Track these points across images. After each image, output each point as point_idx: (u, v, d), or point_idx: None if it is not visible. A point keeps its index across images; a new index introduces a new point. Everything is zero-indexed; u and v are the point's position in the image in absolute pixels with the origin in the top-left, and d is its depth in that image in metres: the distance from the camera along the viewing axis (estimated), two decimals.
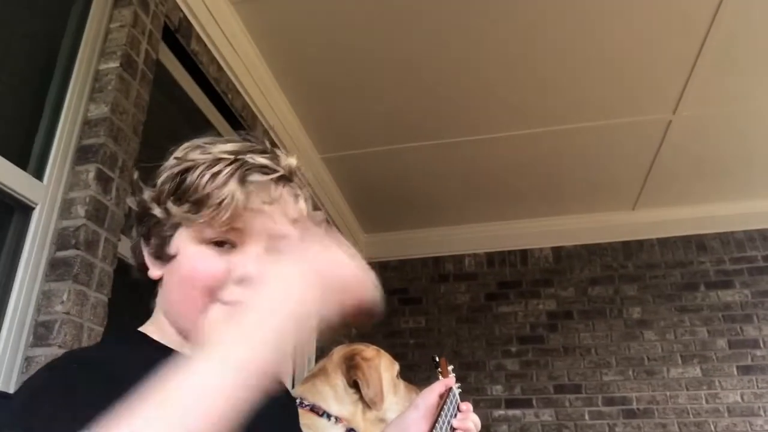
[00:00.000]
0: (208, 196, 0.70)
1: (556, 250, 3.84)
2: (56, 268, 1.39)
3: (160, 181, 0.74)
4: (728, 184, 3.42)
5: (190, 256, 0.72)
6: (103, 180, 1.50)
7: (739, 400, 3.29)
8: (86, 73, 1.61)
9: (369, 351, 1.31)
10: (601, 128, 2.90)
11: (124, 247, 1.58)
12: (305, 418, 1.18)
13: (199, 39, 2.10)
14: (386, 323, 3.90)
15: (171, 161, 0.75)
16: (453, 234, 3.95)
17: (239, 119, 2.39)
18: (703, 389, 3.35)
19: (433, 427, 1.01)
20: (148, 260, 0.76)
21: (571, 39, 2.36)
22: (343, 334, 3.61)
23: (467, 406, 1.13)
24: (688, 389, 3.36)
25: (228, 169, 0.71)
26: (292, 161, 0.78)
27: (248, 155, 0.73)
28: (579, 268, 3.77)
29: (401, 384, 1.36)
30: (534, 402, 3.52)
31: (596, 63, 2.49)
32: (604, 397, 3.44)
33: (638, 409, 3.38)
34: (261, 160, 0.74)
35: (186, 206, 0.71)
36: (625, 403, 3.41)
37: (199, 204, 0.70)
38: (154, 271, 0.75)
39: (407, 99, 2.70)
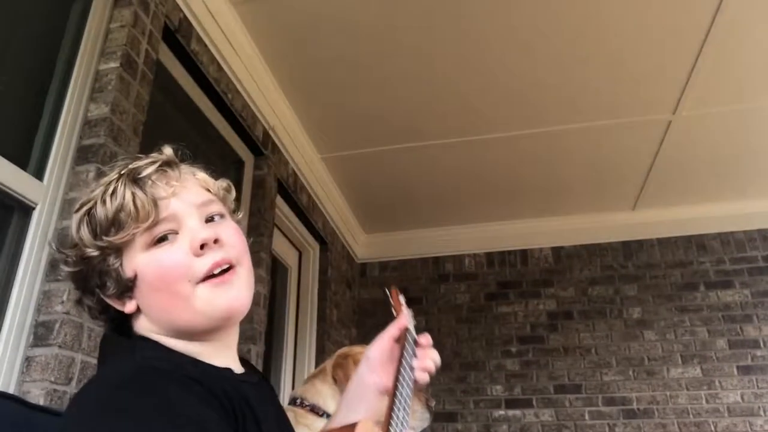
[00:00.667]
0: (119, 211, 0.75)
1: (556, 250, 3.84)
2: (56, 268, 1.39)
3: (74, 233, 0.78)
4: (728, 184, 3.42)
5: (148, 264, 0.75)
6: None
7: (739, 400, 3.29)
8: (86, 73, 1.61)
9: (361, 354, 1.26)
10: (601, 128, 2.90)
11: None
12: (306, 418, 1.17)
13: (199, 39, 2.10)
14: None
15: (75, 215, 0.79)
16: (453, 234, 3.95)
17: (239, 119, 2.39)
18: (703, 389, 3.35)
19: (396, 380, 0.88)
20: (117, 303, 0.78)
21: (571, 39, 2.36)
22: (344, 334, 3.61)
23: (426, 340, 1.00)
24: (688, 389, 3.36)
25: (119, 183, 0.76)
26: (168, 150, 0.84)
27: (128, 167, 0.79)
28: (579, 268, 3.77)
29: None
30: (534, 402, 3.52)
31: (596, 63, 2.49)
32: (604, 397, 3.44)
33: (638, 409, 3.38)
34: (140, 162, 0.79)
35: (111, 232, 0.75)
36: (625, 403, 3.41)
37: (119, 223, 0.75)
38: (129, 306, 0.77)
39: (407, 99, 2.70)
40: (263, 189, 2.57)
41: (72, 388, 1.33)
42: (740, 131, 2.94)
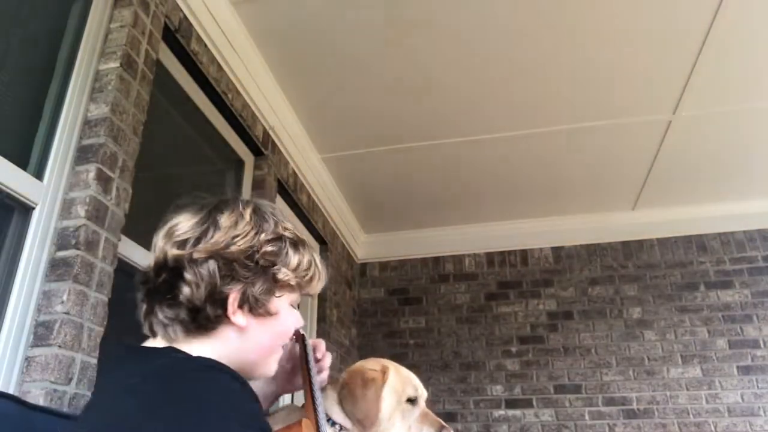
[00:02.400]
0: (315, 277, 0.91)
1: (556, 250, 3.84)
2: (56, 268, 1.39)
3: (279, 246, 0.88)
4: (728, 184, 3.42)
5: (288, 317, 0.88)
6: (103, 180, 1.50)
7: (739, 400, 3.29)
8: (86, 73, 1.61)
9: (372, 373, 1.21)
10: (601, 128, 2.90)
11: (124, 247, 1.59)
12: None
13: (199, 39, 2.10)
14: (386, 323, 3.91)
15: (274, 227, 0.89)
16: (453, 234, 3.95)
17: (239, 119, 2.39)
18: (703, 389, 3.35)
19: (309, 383, 1.01)
20: (235, 306, 0.82)
21: (571, 39, 2.36)
22: (344, 334, 3.61)
23: (320, 345, 1.13)
24: (688, 389, 3.37)
25: (317, 260, 0.93)
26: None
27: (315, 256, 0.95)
28: (579, 268, 3.77)
29: (417, 410, 1.23)
30: (534, 402, 3.52)
31: (596, 63, 2.49)
32: (604, 397, 3.44)
33: (638, 409, 3.38)
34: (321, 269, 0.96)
35: (300, 280, 0.88)
36: (625, 403, 3.41)
37: (311, 281, 0.90)
38: (240, 320, 0.83)
39: (407, 99, 2.70)
40: (263, 189, 2.57)
41: (72, 388, 1.33)
42: (740, 131, 2.94)
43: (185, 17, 2.02)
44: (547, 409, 3.48)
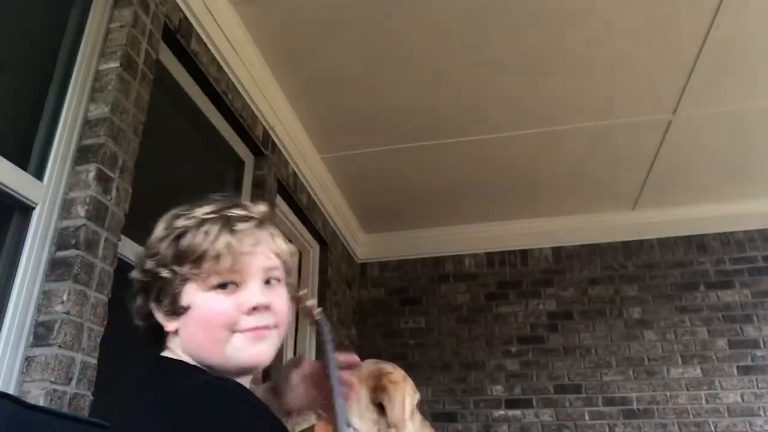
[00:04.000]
0: (206, 251, 0.83)
1: (556, 250, 3.84)
2: (56, 268, 1.39)
3: (158, 249, 0.86)
4: (728, 184, 3.42)
5: (204, 303, 0.84)
6: (103, 180, 1.50)
7: (739, 400, 3.29)
8: (86, 73, 1.61)
9: (397, 374, 1.28)
10: (601, 128, 2.90)
11: (124, 247, 1.58)
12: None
13: (199, 39, 2.10)
14: (386, 323, 3.91)
15: (160, 232, 0.87)
16: (453, 234, 3.95)
17: (239, 119, 2.39)
18: (703, 389, 3.35)
19: (327, 376, 0.95)
20: (163, 318, 0.86)
21: (571, 39, 2.36)
22: (344, 335, 3.61)
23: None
24: (688, 389, 3.36)
25: (216, 225, 0.85)
26: (263, 207, 0.93)
27: (227, 211, 0.87)
28: (579, 268, 3.77)
29: (418, 416, 1.29)
30: (534, 402, 3.52)
31: (596, 63, 2.49)
32: (604, 397, 3.44)
33: (638, 409, 3.38)
34: (239, 212, 0.88)
35: (189, 264, 0.83)
36: (625, 403, 3.41)
37: (200, 260, 0.83)
38: (170, 325, 0.86)
39: (407, 99, 2.70)
40: (263, 189, 2.57)
41: (72, 388, 1.33)
42: (740, 131, 2.94)
43: (185, 17, 2.02)
44: (547, 409, 3.48)
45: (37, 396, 1.26)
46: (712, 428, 3.26)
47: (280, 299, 0.89)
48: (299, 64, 2.50)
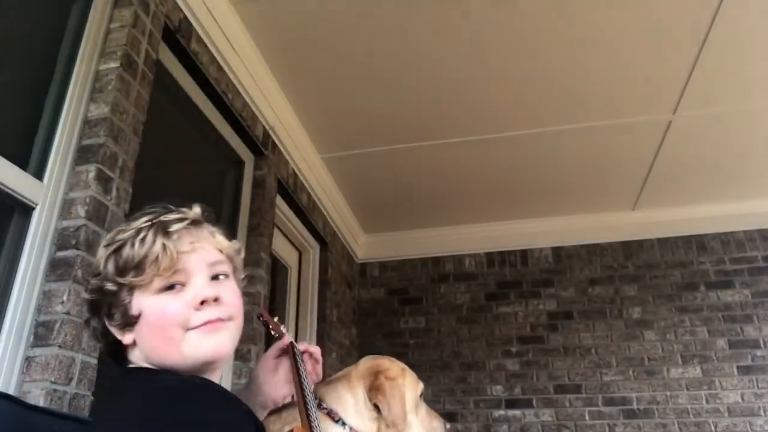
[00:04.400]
0: (145, 257, 0.84)
1: (556, 250, 3.84)
2: (56, 268, 1.39)
3: (100, 267, 0.88)
4: (728, 184, 3.42)
5: (153, 307, 0.85)
6: (103, 180, 1.50)
7: (739, 400, 3.29)
8: (86, 73, 1.61)
9: (394, 369, 1.25)
10: (601, 128, 2.90)
11: None
12: (322, 421, 1.15)
13: (199, 39, 2.10)
14: (386, 323, 3.91)
15: (101, 251, 0.89)
16: (453, 234, 3.95)
17: (239, 119, 2.39)
18: (703, 389, 3.35)
19: (300, 387, 1.02)
20: (118, 332, 0.87)
21: (571, 39, 2.36)
22: (344, 334, 3.61)
23: (314, 349, 1.18)
24: (688, 389, 3.36)
25: (151, 231, 0.86)
26: (197, 209, 0.94)
27: (161, 217, 0.89)
28: (579, 268, 3.77)
29: (423, 406, 1.28)
30: (534, 402, 3.52)
31: (596, 63, 2.49)
32: (605, 397, 3.44)
33: (638, 409, 3.38)
34: (172, 216, 0.90)
35: (132, 273, 0.85)
36: (626, 403, 3.41)
37: (140, 267, 0.84)
38: (127, 338, 0.87)
39: (407, 99, 2.70)
40: (263, 189, 2.57)
41: (72, 388, 1.33)
42: (740, 131, 2.94)
43: (185, 17, 2.02)
44: (547, 409, 3.48)
45: (37, 396, 1.26)
46: (712, 428, 3.26)
47: (229, 291, 0.90)
48: (299, 64, 2.50)
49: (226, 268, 0.92)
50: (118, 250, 0.87)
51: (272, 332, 1.26)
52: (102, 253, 0.89)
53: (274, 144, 2.71)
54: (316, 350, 1.18)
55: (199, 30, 2.10)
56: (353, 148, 3.10)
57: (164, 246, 0.85)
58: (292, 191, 2.93)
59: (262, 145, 2.58)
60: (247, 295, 2.38)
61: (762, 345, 3.37)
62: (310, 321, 3.26)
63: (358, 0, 2.18)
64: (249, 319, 2.34)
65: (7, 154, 1.35)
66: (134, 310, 0.85)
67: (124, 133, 1.60)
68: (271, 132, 2.66)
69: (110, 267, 0.86)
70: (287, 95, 2.69)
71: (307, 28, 2.31)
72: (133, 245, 0.86)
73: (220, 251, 0.92)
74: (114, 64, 1.62)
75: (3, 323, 1.31)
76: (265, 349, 2.44)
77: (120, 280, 0.85)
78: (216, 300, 0.86)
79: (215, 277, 0.89)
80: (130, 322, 0.85)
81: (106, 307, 0.87)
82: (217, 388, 0.80)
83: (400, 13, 2.23)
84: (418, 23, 2.28)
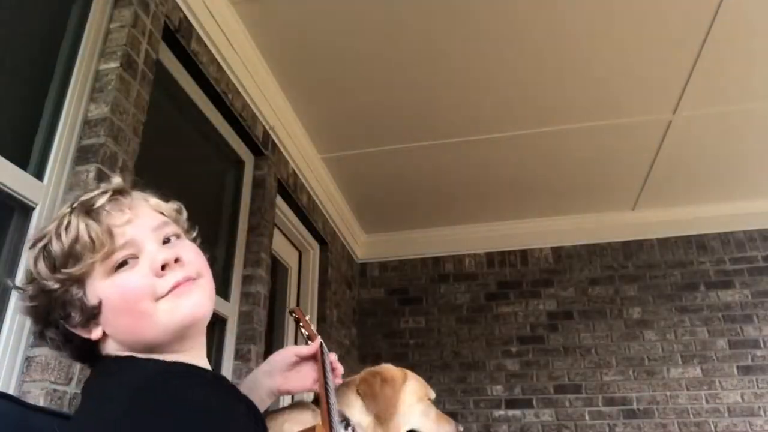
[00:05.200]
0: (74, 243, 0.77)
1: (556, 250, 3.84)
2: None
3: (35, 273, 0.79)
4: (728, 184, 3.42)
5: (113, 288, 0.78)
6: (103, 180, 1.50)
7: (739, 400, 3.29)
8: (86, 73, 1.61)
9: (393, 372, 1.31)
10: (601, 128, 2.90)
11: None
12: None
13: (199, 39, 2.10)
14: (386, 323, 3.91)
15: (30, 251, 0.81)
16: (453, 234, 3.95)
17: (239, 119, 2.39)
18: (704, 389, 3.35)
19: (325, 390, 0.98)
20: (83, 331, 0.79)
21: (571, 39, 2.36)
22: (344, 335, 3.61)
23: (334, 357, 1.10)
24: (688, 389, 3.36)
25: (72, 216, 0.79)
26: (117, 179, 0.87)
27: (80, 199, 0.81)
28: (579, 268, 3.77)
29: (433, 410, 1.34)
30: (534, 402, 3.52)
31: (596, 63, 2.49)
32: (605, 397, 3.44)
33: (638, 409, 3.38)
34: (91, 193, 0.82)
35: (70, 264, 0.77)
36: (626, 403, 3.41)
37: (76, 254, 0.77)
38: (96, 333, 0.79)
39: (408, 99, 2.70)
40: (263, 189, 2.57)
41: (72, 388, 1.33)
42: (740, 131, 2.94)
43: (185, 17, 2.02)
44: (547, 409, 3.48)
45: (37, 396, 1.26)
46: (712, 428, 3.26)
47: (187, 249, 0.83)
48: (299, 63, 2.50)
49: (173, 228, 0.85)
50: (45, 247, 0.79)
51: (302, 330, 1.25)
52: (29, 255, 0.81)
53: (274, 144, 2.71)
54: (339, 368, 1.11)
55: (199, 30, 2.10)
56: (353, 148, 3.10)
57: (87, 226, 0.77)
58: (292, 191, 2.93)
59: (262, 145, 2.58)
60: (247, 296, 2.38)
61: (762, 345, 3.37)
62: (310, 321, 3.25)
63: (358, 0, 2.18)
64: (249, 319, 2.34)
65: (7, 154, 1.35)
66: (92, 300, 0.78)
67: (124, 133, 1.60)
68: (271, 132, 2.66)
69: (41, 267, 0.78)
70: (287, 95, 2.69)
71: (307, 28, 2.31)
72: (59, 236, 0.78)
73: (162, 213, 0.86)
74: (114, 64, 1.62)
75: (3, 323, 1.31)
76: (266, 349, 2.45)
77: (59, 276, 0.77)
78: (177, 261, 0.79)
79: (166, 241, 0.82)
80: (91, 314, 0.78)
81: (60, 310, 0.79)
82: (201, 373, 0.76)
83: (400, 13, 2.23)
84: (418, 23, 2.28)
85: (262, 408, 1.02)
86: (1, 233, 1.37)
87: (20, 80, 1.53)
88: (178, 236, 0.85)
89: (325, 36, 2.35)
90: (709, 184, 3.41)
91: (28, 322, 1.34)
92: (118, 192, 0.83)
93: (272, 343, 2.88)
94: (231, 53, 2.27)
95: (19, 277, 1.36)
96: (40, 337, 0.83)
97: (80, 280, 0.78)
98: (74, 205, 0.80)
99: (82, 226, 0.77)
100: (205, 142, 2.39)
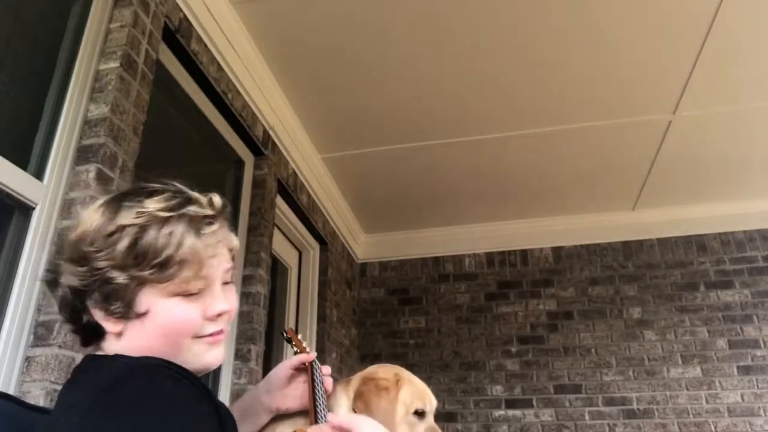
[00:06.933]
0: (171, 256, 0.76)
1: (556, 250, 3.84)
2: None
3: (105, 246, 0.76)
4: (728, 184, 3.42)
5: (168, 311, 0.78)
6: (103, 180, 1.50)
7: (739, 400, 3.29)
8: (86, 73, 1.61)
9: (386, 380, 1.17)
10: (601, 128, 2.90)
11: None
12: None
13: (199, 39, 2.10)
14: (386, 323, 3.91)
15: (102, 221, 0.77)
16: (453, 234, 3.95)
17: (239, 119, 2.39)
18: (703, 389, 3.35)
19: (314, 402, 0.99)
20: (105, 319, 0.78)
21: (571, 39, 2.36)
22: (344, 335, 3.61)
23: (327, 369, 1.09)
24: (688, 389, 3.37)
25: (179, 226, 0.77)
26: (218, 200, 0.86)
27: (187, 208, 0.80)
28: (579, 268, 3.77)
29: (421, 425, 1.18)
30: (534, 402, 3.52)
31: (596, 63, 2.49)
32: (605, 397, 3.44)
33: (638, 409, 3.38)
34: (200, 210, 0.81)
35: (150, 269, 0.75)
36: (625, 403, 3.41)
37: (164, 265, 0.76)
38: (116, 328, 0.78)
39: (407, 99, 2.70)
40: (263, 189, 2.57)
41: None
42: (740, 131, 2.94)
43: (185, 17, 2.02)
44: (547, 409, 3.48)
45: (37, 396, 1.26)
46: (712, 428, 3.26)
47: (234, 298, 0.87)
48: (299, 63, 2.50)
49: (233, 271, 0.88)
50: (135, 236, 0.75)
51: (294, 350, 1.22)
52: (103, 225, 0.77)
53: (274, 144, 2.71)
54: (328, 384, 1.09)
55: (199, 30, 2.10)
56: (353, 148, 3.10)
57: (194, 250, 0.77)
58: (292, 191, 2.93)
59: (262, 145, 2.58)
60: (247, 296, 2.38)
61: (762, 345, 3.37)
62: (310, 321, 3.26)
63: (358, 0, 2.18)
64: (249, 319, 2.34)
65: (7, 154, 1.35)
66: (141, 307, 0.76)
67: (124, 133, 1.60)
68: (271, 132, 2.66)
69: (123, 253, 0.75)
70: (287, 95, 2.69)
71: (307, 28, 2.31)
72: (157, 237, 0.75)
73: (230, 250, 0.86)
74: (114, 64, 1.62)
75: (3, 323, 1.31)
76: (266, 350, 2.45)
77: (134, 273, 0.75)
78: (228, 312, 0.84)
79: (225, 283, 0.85)
80: (129, 316, 0.77)
81: (103, 294, 0.77)
82: (178, 371, 0.74)
83: (400, 14, 2.23)
84: (418, 23, 2.28)
85: (259, 425, 1.05)
86: (1, 233, 1.37)
87: (20, 80, 1.53)
88: (233, 281, 0.88)
89: (325, 36, 2.35)
90: (709, 184, 3.41)
91: (28, 322, 1.34)
92: (223, 221, 0.85)
93: (272, 343, 2.88)
94: (231, 53, 2.27)
95: (20, 274, 1.36)
96: (52, 285, 0.82)
97: (143, 283, 0.76)
98: (182, 213, 0.78)
99: (186, 247, 0.76)
100: (204, 142, 2.39)
